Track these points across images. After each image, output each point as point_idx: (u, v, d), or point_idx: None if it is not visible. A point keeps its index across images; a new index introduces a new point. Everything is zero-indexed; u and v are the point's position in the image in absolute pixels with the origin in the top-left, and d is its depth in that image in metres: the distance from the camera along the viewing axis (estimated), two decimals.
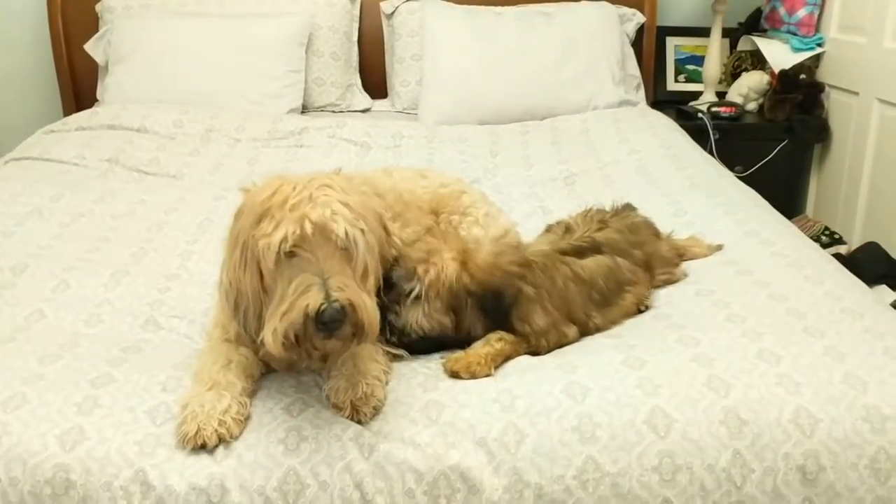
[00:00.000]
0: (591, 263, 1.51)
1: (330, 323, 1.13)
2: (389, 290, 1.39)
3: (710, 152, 3.07)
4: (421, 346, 1.42)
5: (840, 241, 3.12)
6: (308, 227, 1.15)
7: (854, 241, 3.10)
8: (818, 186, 3.45)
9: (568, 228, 1.60)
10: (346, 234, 1.18)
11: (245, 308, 1.23)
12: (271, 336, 1.15)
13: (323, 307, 1.11)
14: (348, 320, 1.15)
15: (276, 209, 1.18)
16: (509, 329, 1.41)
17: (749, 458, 1.22)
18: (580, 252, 1.52)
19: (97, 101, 3.30)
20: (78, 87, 3.43)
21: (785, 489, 1.21)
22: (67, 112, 3.34)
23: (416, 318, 1.40)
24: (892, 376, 1.32)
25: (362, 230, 1.21)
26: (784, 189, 3.32)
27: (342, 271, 1.18)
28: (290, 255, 1.17)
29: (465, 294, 1.39)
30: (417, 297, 1.38)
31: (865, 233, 3.06)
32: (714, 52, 3.48)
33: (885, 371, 1.33)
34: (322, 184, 1.21)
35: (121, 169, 2.54)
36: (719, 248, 1.83)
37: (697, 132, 3.09)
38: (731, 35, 3.68)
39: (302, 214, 1.16)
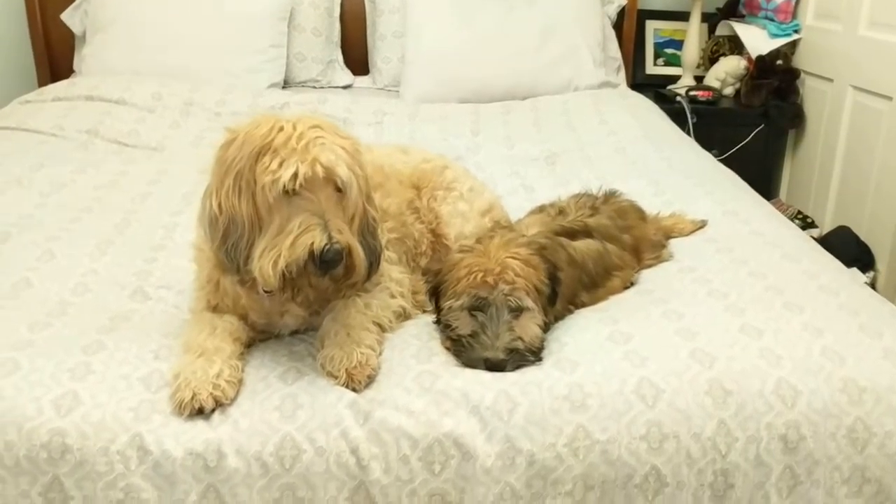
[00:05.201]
0: (582, 246, 1.53)
1: (330, 262, 1.20)
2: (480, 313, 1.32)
3: (688, 135, 3.11)
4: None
5: (812, 225, 3.19)
6: (319, 170, 1.21)
7: (826, 226, 3.17)
8: (792, 171, 3.52)
9: (561, 211, 1.62)
10: (347, 178, 1.24)
11: (237, 237, 1.25)
12: (271, 267, 1.19)
13: (325, 247, 1.18)
14: (343, 262, 1.22)
15: (279, 146, 1.21)
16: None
17: (733, 428, 1.25)
18: (571, 234, 1.54)
19: (73, 71, 3.25)
20: (53, 56, 3.36)
21: (767, 457, 1.25)
22: (42, 82, 3.29)
23: (533, 330, 1.32)
24: (867, 351, 1.37)
25: (357, 174, 1.27)
26: (758, 173, 3.38)
27: (337, 214, 1.24)
28: (292, 192, 1.21)
29: (547, 288, 1.35)
30: (515, 310, 1.30)
31: (837, 217, 3.13)
32: (693, 36, 3.52)
33: (860, 346, 1.38)
34: (314, 124, 1.26)
35: (100, 140, 2.52)
36: (703, 223, 1.87)
37: (675, 115, 3.13)
38: (710, 20, 3.72)
39: (313, 157, 1.21)
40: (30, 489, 1.16)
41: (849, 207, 3.05)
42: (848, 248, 2.88)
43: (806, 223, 3.19)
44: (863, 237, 2.92)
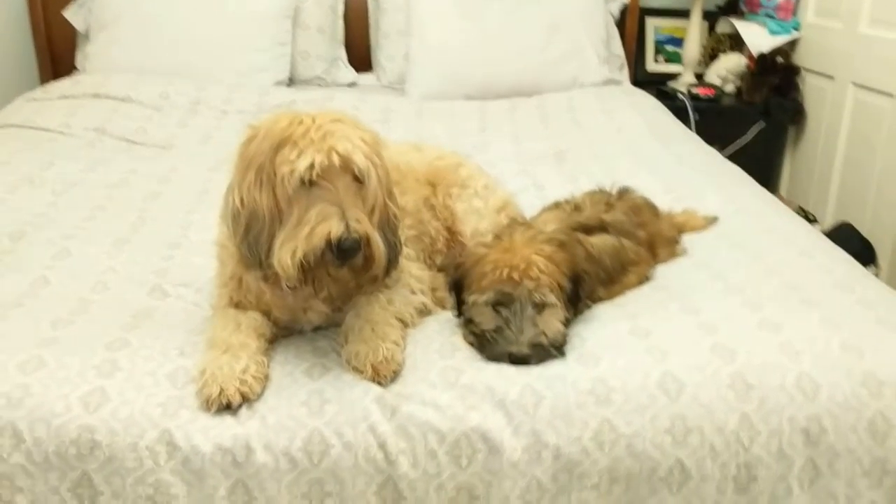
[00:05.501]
0: (598, 241, 1.54)
1: (348, 251, 1.20)
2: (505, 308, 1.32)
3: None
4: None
5: (813, 221, 3.21)
6: (335, 159, 1.21)
7: (826, 222, 3.19)
8: (792, 167, 3.54)
9: (576, 207, 1.63)
10: (365, 167, 1.24)
11: (258, 230, 1.25)
12: (289, 258, 1.19)
13: (343, 236, 1.18)
14: (362, 252, 1.22)
15: (298, 138, 1.22)
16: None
17: (756, 421, 1.27)
18: (587, 230, 1.55)
19: (75, 68, 3.24)
20: (55, 53, 3.35)
21: (789, 450, 1.27)
22: (44, 79, 3.28)
23: (556, 326, 1.32)
24: (885, 344, 1.38)
25: (376, 165, 1.28)
26: (759, 170, 3.38)
27: (356, 204, 1.24)
28: (310, 183, 1.21)
29: (569, 284, 1.36)
30: (538, 306, 1.31)
31: (838, 213, 3.16)
32: (694, 33, 3.53)
33: (878, 339, 1.39)
34: (335, 118, 1.27)
35: (108, 138, 2.52)
36: (714, 220, 1.89)
37: (676, 112, 3.14)
38: (710, 17, 3.73)
39: (329, 146, 1.21)
40: (59, 485, 1.16)
41: (850, 204, 3.08)
42: (850, 243, 2.89)
43: (807, 219, 3.21)
44: (864, 233, 2.93)
